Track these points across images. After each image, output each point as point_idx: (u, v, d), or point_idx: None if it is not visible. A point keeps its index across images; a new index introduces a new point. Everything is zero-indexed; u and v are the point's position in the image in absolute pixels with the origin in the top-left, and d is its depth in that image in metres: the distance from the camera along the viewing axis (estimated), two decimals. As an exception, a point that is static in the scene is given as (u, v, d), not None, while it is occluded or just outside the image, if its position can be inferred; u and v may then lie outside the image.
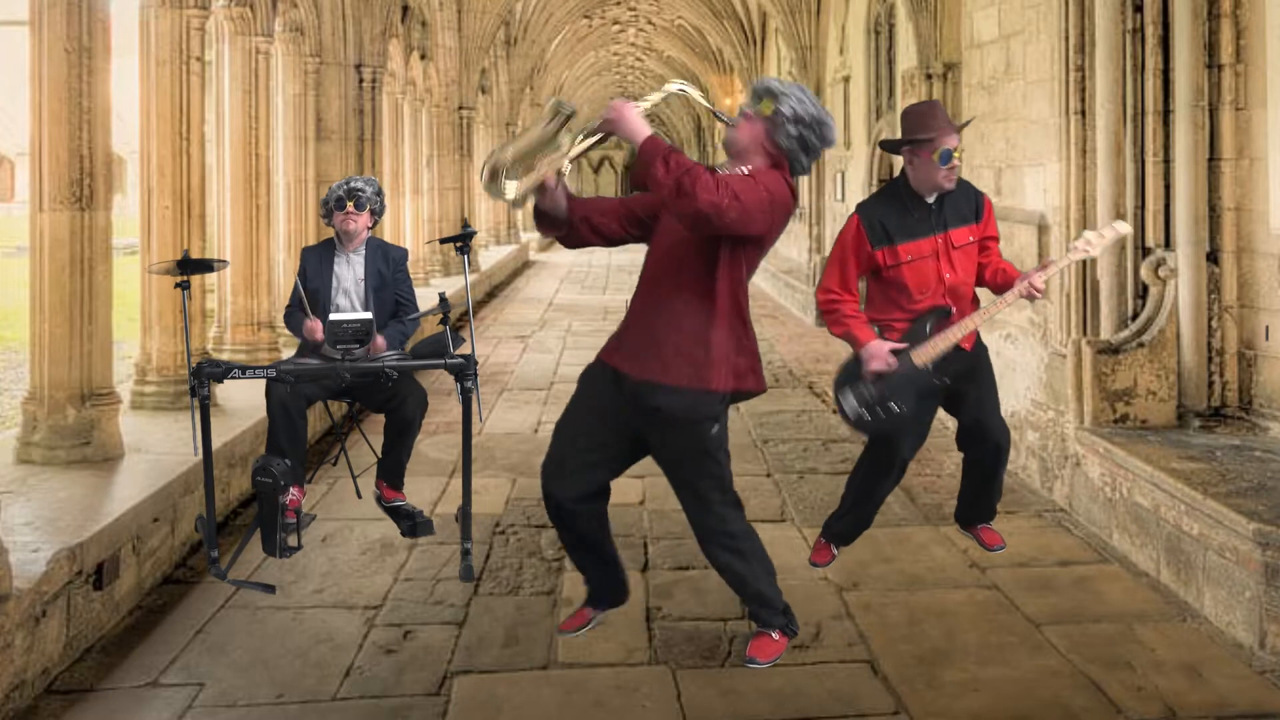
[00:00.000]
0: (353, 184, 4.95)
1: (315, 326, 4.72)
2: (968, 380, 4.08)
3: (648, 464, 3.63)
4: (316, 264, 4.99)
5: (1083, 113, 5.47)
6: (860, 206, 4.08)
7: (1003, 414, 4.27)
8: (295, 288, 4.98)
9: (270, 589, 4.24)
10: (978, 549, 4.49)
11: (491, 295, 16.02)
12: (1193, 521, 4.14)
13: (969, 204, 4.05)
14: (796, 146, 3.29)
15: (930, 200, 3.98)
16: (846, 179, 14.01)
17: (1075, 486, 5.20)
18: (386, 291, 4.97)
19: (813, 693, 3.43)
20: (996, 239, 4.17)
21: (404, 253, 5.19)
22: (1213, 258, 5.04)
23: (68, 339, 4.64)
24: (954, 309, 3.97)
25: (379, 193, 5.02)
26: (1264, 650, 3.70)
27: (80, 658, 3.68)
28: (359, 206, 4.90)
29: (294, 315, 4.93)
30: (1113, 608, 4.12)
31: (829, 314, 3.99)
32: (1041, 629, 3.88)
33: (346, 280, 4.98)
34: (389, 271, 5.00)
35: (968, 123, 4.40)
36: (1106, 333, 5.32)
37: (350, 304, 4.92)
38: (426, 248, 13.97)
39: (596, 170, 52.61)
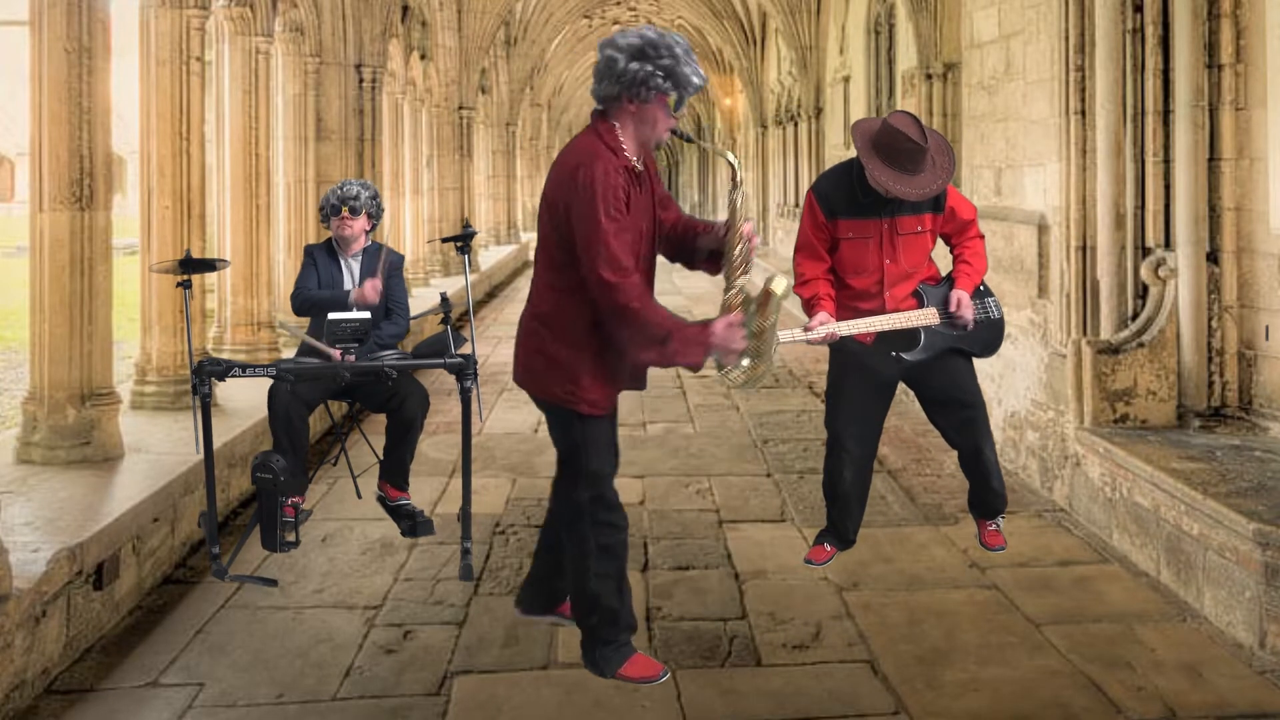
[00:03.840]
0: (347, 189, 4.98)
1: (369, 286, 4.84)
2: (934, 382, 4.12)
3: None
4: (324, 262, 5.02)
5: (1083, 113, 5.46)
6: (814, 183, 4.18)
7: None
8: (303, 274, 4.99)
9: (272, 582, 4.25)
10: (978, 549, 4.49)
11: (492, 295, 16.02)
12: (1193, 521, 4.14)
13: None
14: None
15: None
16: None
17: (1075, 486, 5.20)
18: (380, 296, 4.99)
19: (813, 693, 3.44)
20: (970, 224, 4.10)
21: (400, 258, 5.23)
22: (1213, 258, 5.04)
23: (68, 339, 4.64)
24: (887, 296, 3.98)
25: (375, 196, 5.03)
26: (1264, 650, 3.70)
27: (80, 658, 3.68)
28: (354, 212, 4.93)
29: (306, 293, 4.93)
30: (1113, 608, 4.12)
31: (796, 278, 4.07)
32: (1041, 629, 3.88)
33: (345, 284, 5.00)
34: (383, 277, 5.01)
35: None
36: (1106, 333, 5.32)
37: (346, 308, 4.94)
38: (427, 248, 13.97)
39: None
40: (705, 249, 3.29)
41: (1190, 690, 3.46)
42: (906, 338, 3.97)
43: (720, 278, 3.26)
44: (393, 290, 5.06)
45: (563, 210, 3.09)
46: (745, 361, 3.15)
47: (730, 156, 3.24)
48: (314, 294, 4.94)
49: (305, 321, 5.06)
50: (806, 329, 3.85)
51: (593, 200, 3.01)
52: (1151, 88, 5.16)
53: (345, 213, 4.94)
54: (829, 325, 3.84)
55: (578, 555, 3.31)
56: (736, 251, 3.17)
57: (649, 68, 3.05)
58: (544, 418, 3.46)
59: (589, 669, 3.38)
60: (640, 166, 3.20)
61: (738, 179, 3.19)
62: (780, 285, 3.08)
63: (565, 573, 3.51)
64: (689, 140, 3.39)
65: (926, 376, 4.12)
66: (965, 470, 4.33)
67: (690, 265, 3.38)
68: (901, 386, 4.29)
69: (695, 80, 3.10)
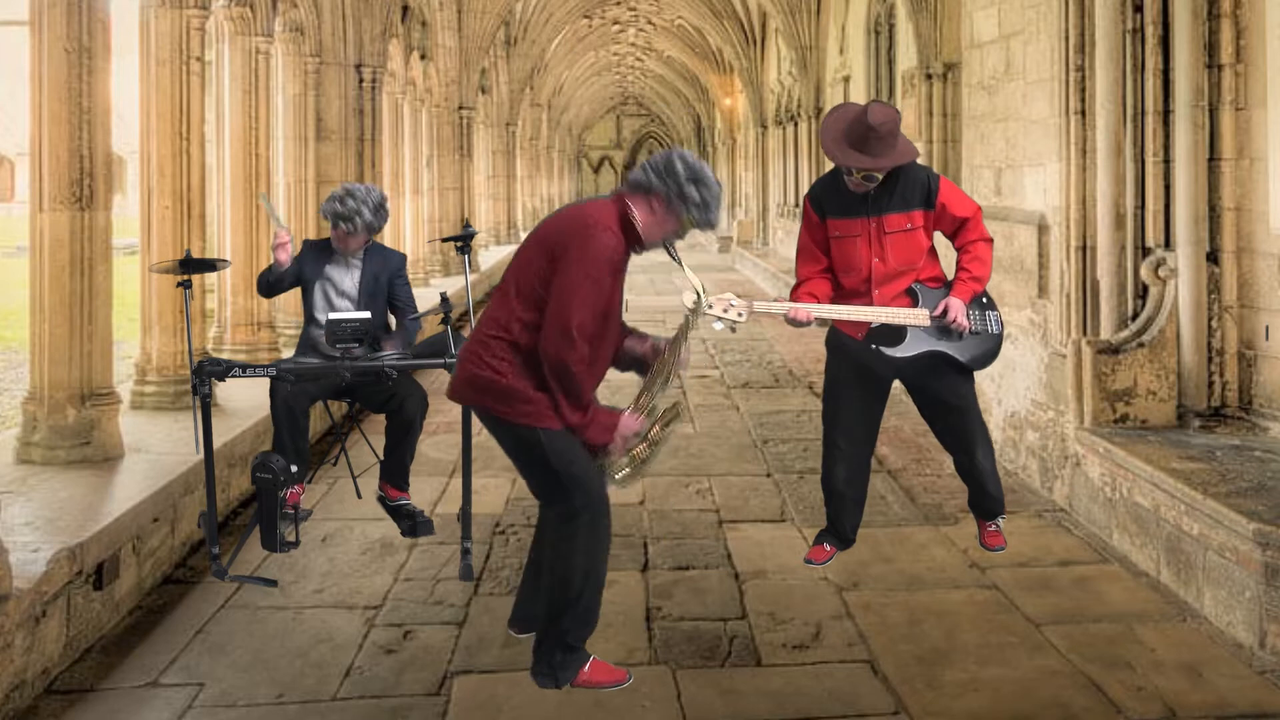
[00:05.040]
0: (348, 206, 4.83)
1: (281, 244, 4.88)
2: (927, 385, 4.13)
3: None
4: (313, 259, 4.99)
5: (1083, 113, 5.46)
6: (809, 190, 4.22)
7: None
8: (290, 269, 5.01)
9: (272, 583, 4.25)
10: (978, 549, 4.49)
11: (491, 295, 15.99)
12: (1193, 521, 4.14)
13: (917, 190, 3.98)
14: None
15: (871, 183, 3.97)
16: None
17: (1075, 486, 5.20)
18: (381, 298, 4.99)
19: (813, 693, 3.44)
20: (968, 223, 4.05)
21: (402, 259, 5.21)
22: (1213, 258, 5.04)
23: (68, 339, 4.64)
24: (875, 293, 3.98)
25: (380, 207, 4.91)
26: (1264, 650, 3.70)
27: (80, 658, 3.68)
28: (353, 229, 4.84)
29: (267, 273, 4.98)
30: (1113, 608, 4.12)
31: (796, 283, 4.12)
32: (1041, 629, 3.88)
33: (344, 284, 4.98)
34: (385, 278, 5.01)
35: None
36: (1106, 333, 5.32)
37: (347, 308, 4.93)
38: (427, 248, 13.97)
39: (596, 170, 52.60)
40: (633, 353, 3.49)
41: (1190, 690, 3.46)
42: (892, 333, 3.97)
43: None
44: (398, 291, 5.06)
45: (559, 253, 3.21)
46: (626, 464, 3.38)
47: (696, 282, 3.45)
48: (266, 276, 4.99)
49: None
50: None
51: (597, 263, 3.19)
52: (1151, 88, 5.16)
53: (344, 227, 4.89)
54: (805, 305, 3.87)
55: (565, 553, 3.33)
56: (666, 369, 3.42)
57: (693, 192, 3.32)
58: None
59: (541, 680, 3.37)
60: (632, 253, 3.37)
61: (701, 304, 3.46)
62: (679, 414, 3.43)
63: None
64: (672, 256, 3.49)
65: (920, 379, 4.13)
66: (961, 475, 4.36)
67: (615, 366, 3.53)
68: (902, 388, 4.29)
69: (710, 221, 3.38)
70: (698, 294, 3.43)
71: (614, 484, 3.41)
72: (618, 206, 3.33)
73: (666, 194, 3.30)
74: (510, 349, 3.28)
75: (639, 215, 3.32)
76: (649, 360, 3.48)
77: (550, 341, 3.17)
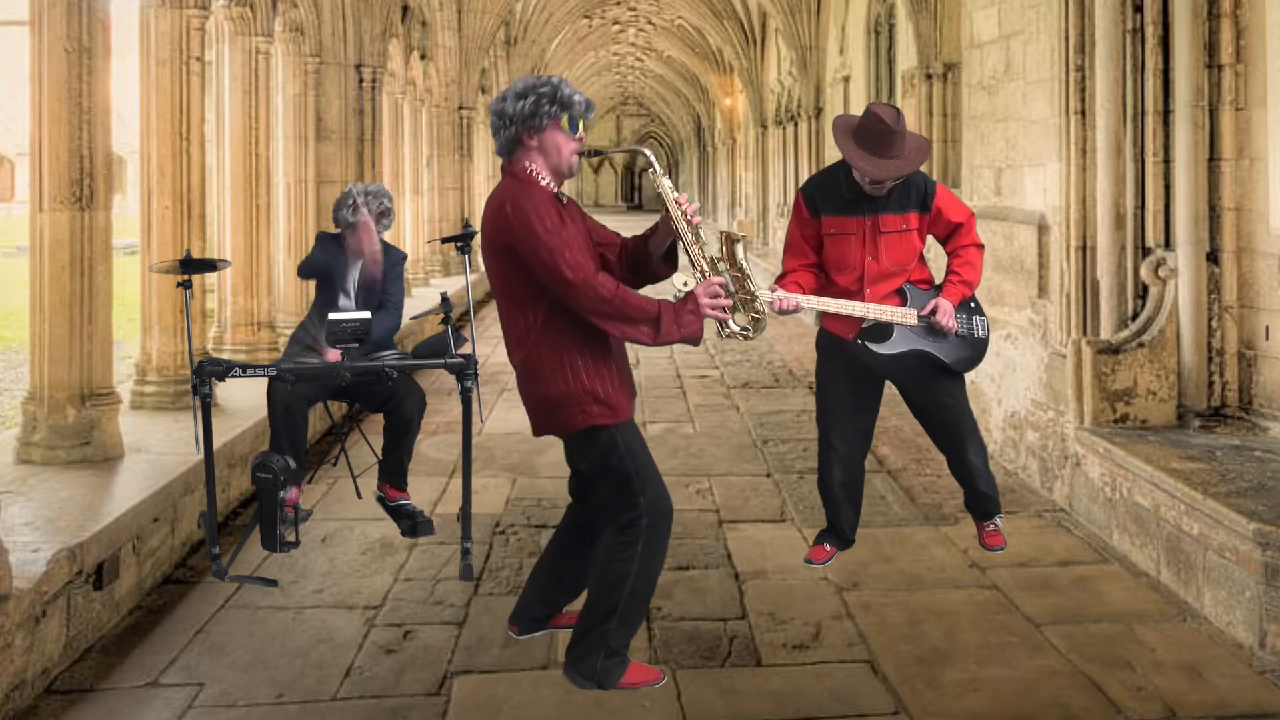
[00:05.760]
0: (385, 203, 4.97)
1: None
2: (917, 385, 4.13)
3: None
4: (325, 255, 5.01)
5: (1083, 113, 5.46)
6: (802, 185, 4.19)
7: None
8: (310, 259, 5.02)
9: (272, 583, 4.25)
10: (978, 549, 4.49)
11: (492, 295, 15.98)
12: (1193, 521, 4.14)
13: (914, 192, 3.99)
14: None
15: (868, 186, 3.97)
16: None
17: (1075, 486, 5.20)
18: (375, 292, 4.99)
19: (813, 693, 3.44)
20: (961, 228, 4.05)
21: (402, 255, 5.23)
22: (1213, 258, 5.04)
23: (68, 339, 4.64)
24: (867, 292, 3.98)
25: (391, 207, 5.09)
26: (1264, 650, 3.70)
27: (80, 658, 3.68)
28: (384, 228, 4.97)
29: (309, 326, 4.97)
30: (1113, 608, 4.13)
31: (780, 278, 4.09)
32: (1041, 629, 3.89)
33: (348, 280, 5.00)
34: (380, 271, 5.02)
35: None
36: (1106, 333, 5.32)
37: (349, 304, 4.94)
38: (427, 247, 13.96)
39: (596, 170, 52.55)
40: (660, 248, 3.33)
41: (1190, 690, 3.46)
42: (879, 330, 3.98)
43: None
44: (389, 286, 5.06)
45: (507, 249, 3.15)
46: (739, 315, 3.23)
47: (645, 150, 3.39)
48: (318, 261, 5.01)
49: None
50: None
51: (528, 224, 3.10)
52: (1151, 88, 5.16)
53: (384, 224, 4.99)
54: (790, 294, 3.84)
55: (622, 558, 3.25)
56: (685, 225, 3.22)
57: (533, 99, 3.21)
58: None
59: (580, 681, 3.25)
60: (564, 197, 3.28)
61: (652, 164, 3.31)
62: (736, 237, 3.25)
63: (568, 587, 3.51)
64: (599, 155, 3.46)
65: (910, 379, 4.13)
66: (954, 474, 4.36)
67: (656, 274, 3.40)
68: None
69: (578, 99, 3.24)
70: (645, 155, 3.36)
71: (750, 338, 3.28)
72: (509, 174, 3.26)
73: (526, 127, 3.21)
74: (549, 354, 3.19)
75: (534, 163, 3.23)
76: (668, 236, 3.32)
77: (574, 300, 3.08)
